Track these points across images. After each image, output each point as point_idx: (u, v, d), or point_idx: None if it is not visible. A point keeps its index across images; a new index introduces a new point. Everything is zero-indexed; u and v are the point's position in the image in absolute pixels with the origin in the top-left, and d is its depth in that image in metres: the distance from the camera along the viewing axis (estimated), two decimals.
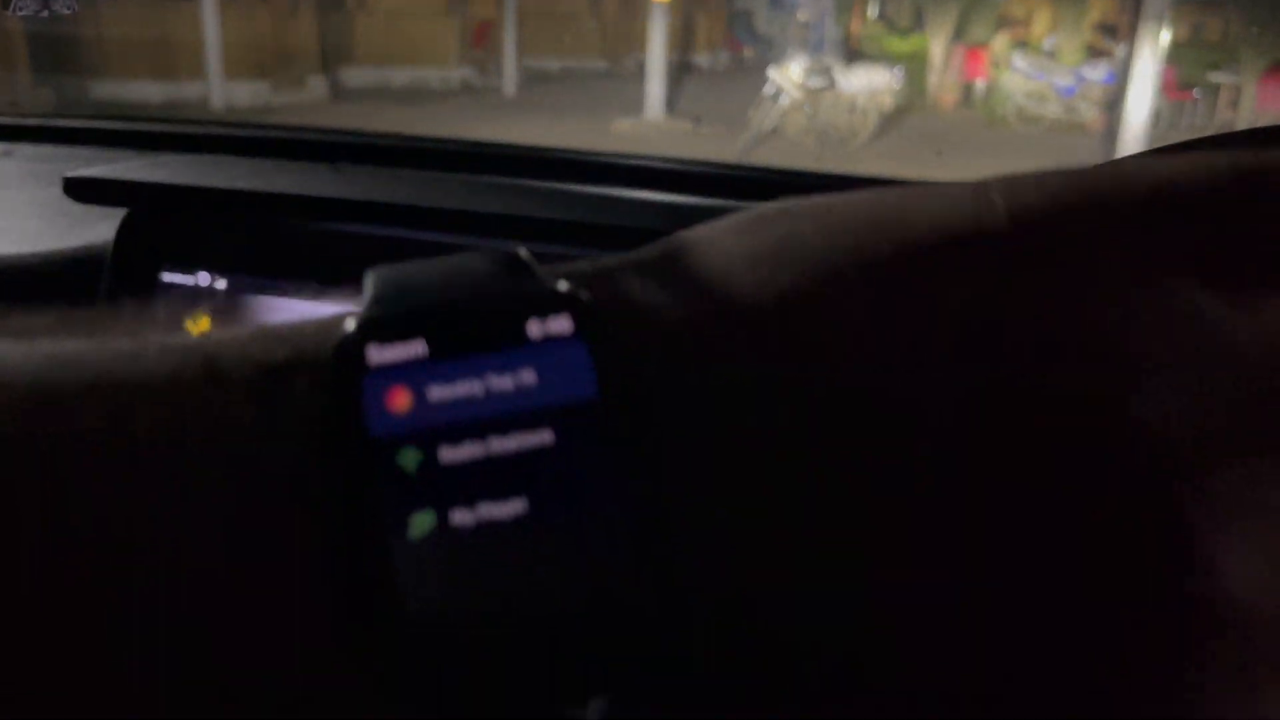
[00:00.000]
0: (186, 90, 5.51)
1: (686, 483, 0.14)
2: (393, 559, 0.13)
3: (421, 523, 0.13)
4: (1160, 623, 0.12)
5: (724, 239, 0.15)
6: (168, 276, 0.50)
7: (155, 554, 0.13)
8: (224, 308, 0.49)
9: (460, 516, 0.13)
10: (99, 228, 0.59)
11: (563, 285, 0.14)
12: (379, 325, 0.14)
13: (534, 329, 0.14)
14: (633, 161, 0.67)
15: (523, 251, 0.15)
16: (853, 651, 0.13)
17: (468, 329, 0.14)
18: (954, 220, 0.14)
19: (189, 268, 0.50)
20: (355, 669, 0.13)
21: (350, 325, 0.14)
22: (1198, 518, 0.12)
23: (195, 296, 0.49)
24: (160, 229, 0.53)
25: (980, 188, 0.15)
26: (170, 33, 5.56)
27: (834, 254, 0.14)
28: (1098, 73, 6.31)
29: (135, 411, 0.13)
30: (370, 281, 0.15)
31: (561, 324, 0.14)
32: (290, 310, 0.49)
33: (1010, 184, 0.15)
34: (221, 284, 0.50)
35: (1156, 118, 5.29)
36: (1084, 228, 0.14)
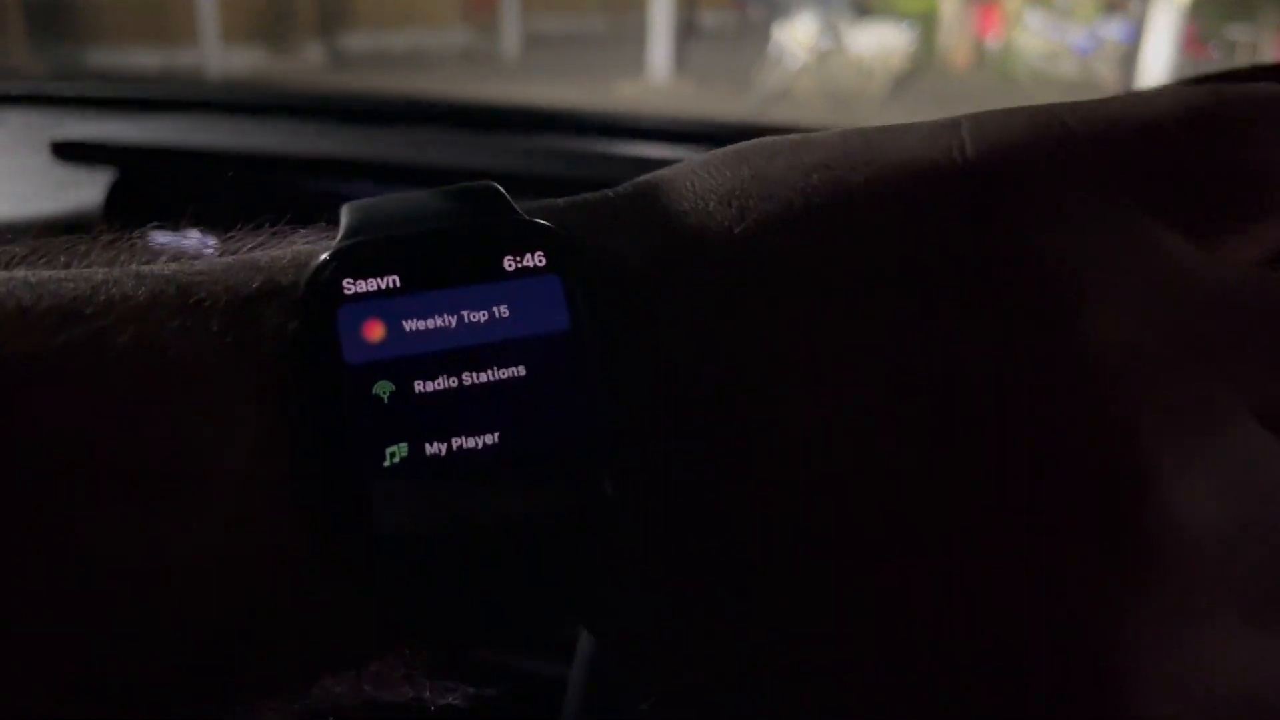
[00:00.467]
0: (182, 57, 5.46)
1: (652, 415, 0.14)
2: (367, 487, 0.13)
3: (395, 453, 0.13)
4: (1103, 547, 0.12)
5: (698, 175, 0.15)
6: (158, 238, 0.49)
7: (128, 467, 0.13)
8: None
9: (433, 447, 0.13)
10: (88, 192, 0.58)
11: (538, 219, 0.15)
12: (353, 256, 0.14)
13: (509, 262, 0.14)
14: (639, 119, 0.66)
15: (498, 186, 0.15)
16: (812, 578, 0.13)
17: (443, 261, 0.14)
18: (923, 155, 0.14)
19: (179, 228, 0.49)
20: (328, 583, 0.13)
21: (325, 255, 0.14)
22: (1148, 463, 0.12)
23: (183, 254, 0.48)
24: (150, 190, 0.52)
25: (950, 124, 0.15)
26: None
27: (806, 189, 0.14)
28: (1114, 30, 6.20)
29: (108, 334, 0.13)
30: (346, 212, 0.15)
31: (536, 257, 0.14)
32: None
33: (978, 120, 0.15)
34: (212, 243, 0.49)
35: (1174, 75, 5.20)
36: (1046, 161, 0.14)
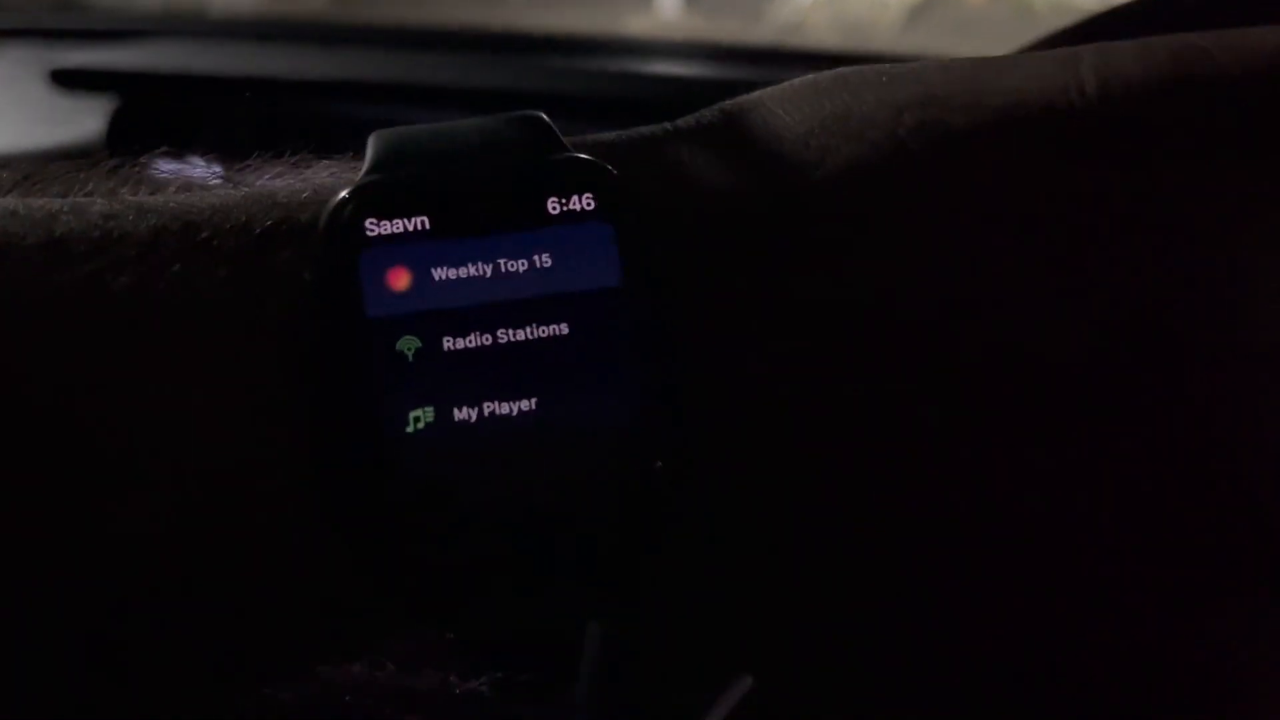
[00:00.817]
0: None
1: (715, 384, 0.12)
2: (387, 454, 0.12)
3: (420, 417, 0.12)
4: (1183, 507, 0.12)
5: (773, 109, 0.14)
6: (161, 166, 0.48)
7: (129, 414, 0.12)
8: None
9: (462, 412, 0.12)
10: (90, 122, 0.56)
11: (587, 157, 0.13)
12: (379, 194, 0.12)
13: (553, 205, 0.12)
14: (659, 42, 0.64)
15: (544, 116, 0.13)
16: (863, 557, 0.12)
17: (478, 203, 0.12)
18: (1037, 93, 0.13)
19: (181, 155, 0.48)
20: (340, 555, 0.12)
21: (346, 192, 0.12)
22: (1264, 438, 0.12)
23: (188, 185, 0.47)
24: (154, 118, 0.51)
25: (1070, 58, 0.13)
26: None
27: (898, 128, 0.13)
28: None
29: (103, 277, 0.12)
30: (372, 143, 0.13)
31: (584, 201, 0.13)
32: None
33: (1105, 54, 0.13)
34: (216, 171, 0.48)
35: None
36: (1189, 104, 0.12)
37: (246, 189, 0.14)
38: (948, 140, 0.13)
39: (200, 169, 0.58)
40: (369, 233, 0.12)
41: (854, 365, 0.12)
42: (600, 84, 0.48)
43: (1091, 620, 0.12)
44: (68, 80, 0.53)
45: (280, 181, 0.14)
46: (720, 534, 0.13)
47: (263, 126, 0.49)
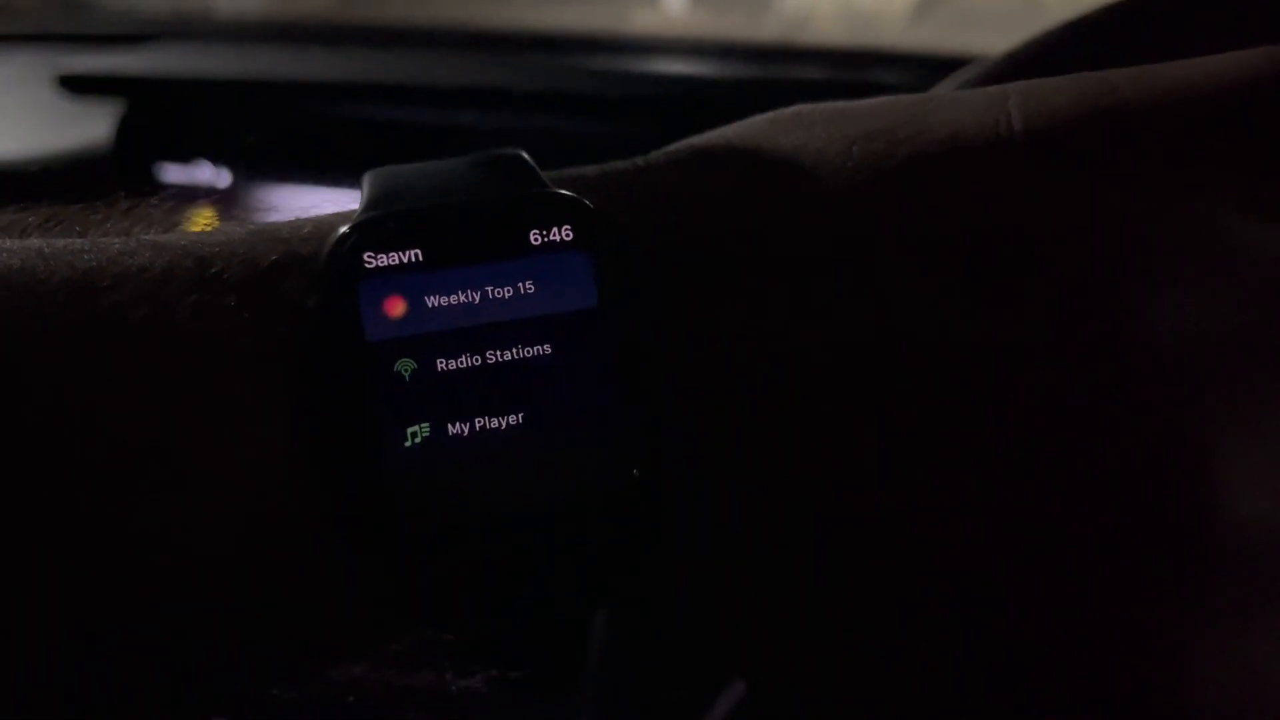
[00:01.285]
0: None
1: (686, 396, 0.13)
2: (387, 467, 0.13)
3: (417, 432, 0.13)
4: (1161, 542, 0.12)
5: (735, 145, 0.15)
6: (168, 171, 0.48)
7: (138, 451, 0.12)
8: (227, 200, 0.47)
9: (456, 427, 0.13)
10: (98, 126, 0.56)
11: (565, 191, 0.14)
12: (375, 229, 0.13)
13: (535, 236, 0.14)
14: (664, 40, 0.64)
15: (525, 155, 0.15)
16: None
17: (466, 235, 0.14)
18: (972, 126, 0.14)
19: (188, 160, 0.48)
20: (345, 560, 0.13)
21: (345, 227, 0.13)
22: (1202, 436, 0.12)
23: (196, 190, 0.47)
24: (161, 123, 0.51)
25: (999, 95, 0.14)
26: None
27: (848, 161, 0.14)
28: None
29: (122, 310, 0.13)
30: (367, 182, 0.14)
31: (563, 232, 0.14)
32: (296, 199, 0.46)
33: (1028, 91, 0.14)
34: (224, 176, 0.48)
35: None
36: (1100, 135, 0.13)
37: (254, 226, 0.15)
38: (892, 172, 0.14)
39: (206, 174, 0.58)
40: (367, 265, 0.13)
41: (810, 382, 0.13)
42: (606, 83, 0.48)
43: (1067, 618, 0.12)
44: (75, 85, 0.53)
45: (284, 220, 0.15)
46: (702, 538, 0.13)
47: (270, 129, 0.49)
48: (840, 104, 0.15)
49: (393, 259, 0.13)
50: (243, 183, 0.47)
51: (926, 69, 0.55)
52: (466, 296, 0.13)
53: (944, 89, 0.25)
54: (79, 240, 0.14)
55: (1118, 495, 0.12)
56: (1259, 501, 0.12)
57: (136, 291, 0.13)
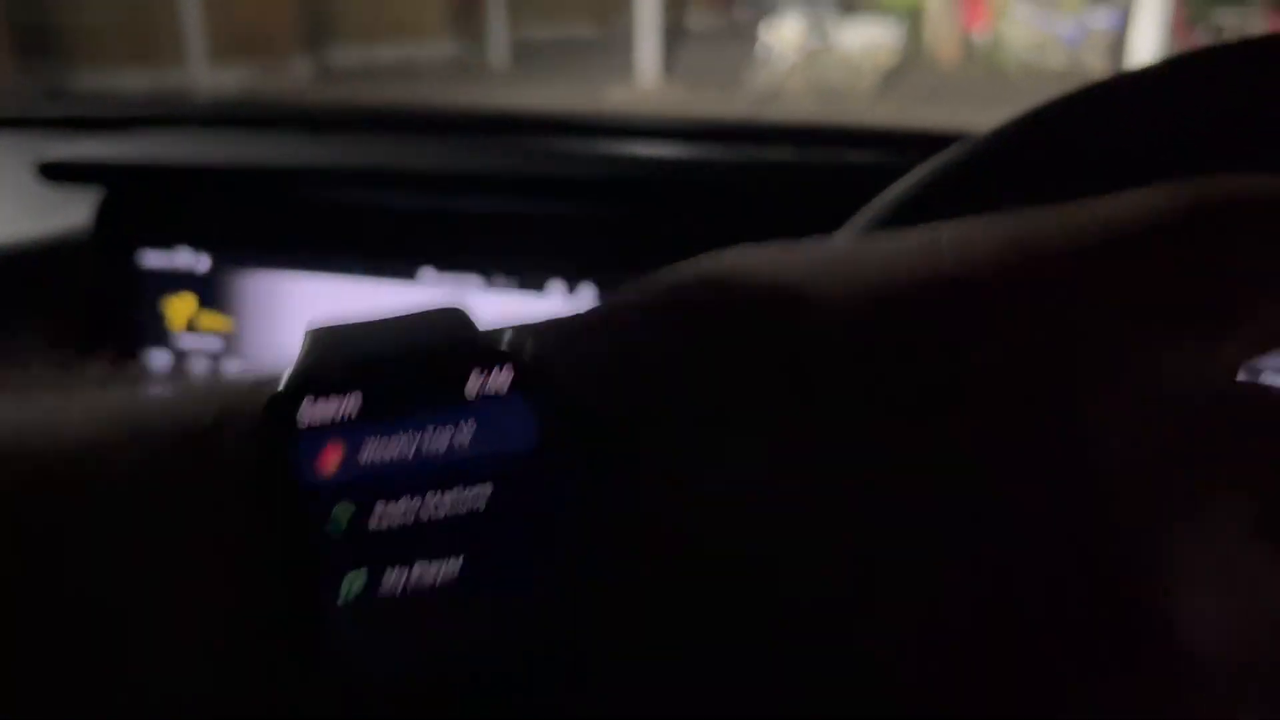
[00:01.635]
0: (169, 78, 5.44)
1: (622, 542, 0.13)
2: (325, 619, 0.13)
3: (353, 582, 0.13)
4: (1118, 684, 0.12)
5: (662, 298, 0.15)
6: (148, 257, 0.48)
7: (79, 617, 0.13)
8: (208, 285, 0.47)
9: (393, 576, 0.13)
10: (77, 212, 0.57)
11: (504, 339, 0.14)
12: (312, 380, 0.14)
13: (473, 385, 0.14)
14: (637, 120, 0.65)
15: (464, 306, 0.15)
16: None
17: (405, 386, 0.14)
18: (905, 268, 0.14)
19: (169, 246, 0.48)
20: (301, 708, 0.13)
21: (284, 380, 0.14)
22: (1154, 576, 0.12)
23: (177, 276, 0.47)
24: (140, 209, 0.51)
25: (930, 239, 0.15)
26: (150, 18, 5.48)
27: (790, 311, 0.14)
28: (1102, 19, 6.19)
29: (55, 476, 0.13)
30: (306, 337, 0.15)
31: (502, 379, 0.14)
32: (276, 284, 0.47)
33: (958, 233, 0.15)
34: (204, 261, 0.48)
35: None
36: (1023, 277, 0.14)
37: (196, 384, 0.15)
38: (818, 326, 0.14)
39: (185, 259, 0.58)
40: (303, 418, 0.13)
41: (739, 530, 0.13)
42: (581, 165, 0.49)
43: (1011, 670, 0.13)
44: (56, 173, 0.54)
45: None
46: (643, 690, 0.13)
47: (249, 215, 0.50)
48: (776, 250, 0.16)
49: (330, 411, 0.13)
50: (223, 268, 0.47)
51: (894, 146, 0.56)
52: (405, 446, 0.13)
53: (930, 167, 0.25)
54: (6, 405, 0.15)
55: (1060, 623, 0.12)
56: (1212, 629, 0.12)
57: (69, 458, 0.13)
